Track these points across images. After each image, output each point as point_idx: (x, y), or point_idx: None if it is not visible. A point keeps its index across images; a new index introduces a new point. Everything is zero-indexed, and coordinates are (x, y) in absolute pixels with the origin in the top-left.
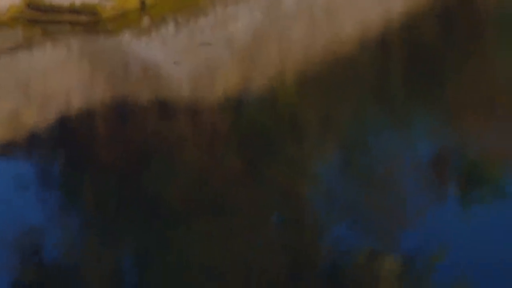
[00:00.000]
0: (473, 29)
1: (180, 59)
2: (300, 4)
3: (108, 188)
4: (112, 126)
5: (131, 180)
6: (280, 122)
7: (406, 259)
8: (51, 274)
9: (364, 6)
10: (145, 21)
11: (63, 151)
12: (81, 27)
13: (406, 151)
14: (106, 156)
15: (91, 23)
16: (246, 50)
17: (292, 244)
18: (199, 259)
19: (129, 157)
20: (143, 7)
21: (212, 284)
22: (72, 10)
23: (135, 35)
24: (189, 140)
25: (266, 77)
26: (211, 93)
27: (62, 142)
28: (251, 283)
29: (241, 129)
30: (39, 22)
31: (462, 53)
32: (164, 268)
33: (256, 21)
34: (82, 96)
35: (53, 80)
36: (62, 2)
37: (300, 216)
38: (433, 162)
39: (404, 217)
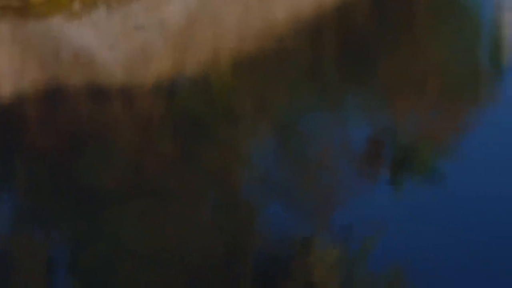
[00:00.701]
0: (404, 12)
1: (113, 43)
2: None
3: (41, 174)
4: (45, 111)
5: (64, 166)
6: (214, 106)
7: (340, 241)
8: None
9: None
10: (76, 5)
11: None
12: (11, 11)
13: (340, 134)
14: (38, 142)
15: (21, 8)
16: (179, 34)
17: (227, 227)
18: (134, 244)
19: (62, 142)
20: None
21: (147, 268)
22: None
23: (67, 20)
24: (123, 125)
25: (200, 61)
26: (145, 78)
27: None
28: (186, 266)
29: (175, 113)
30: None
31: (394, 36)
32: (98, 253)
33: (189, 4)
34: (13, 81)
35: None
36: None
37: (234, 199)
38: (366, 144)
39: (338, 200)
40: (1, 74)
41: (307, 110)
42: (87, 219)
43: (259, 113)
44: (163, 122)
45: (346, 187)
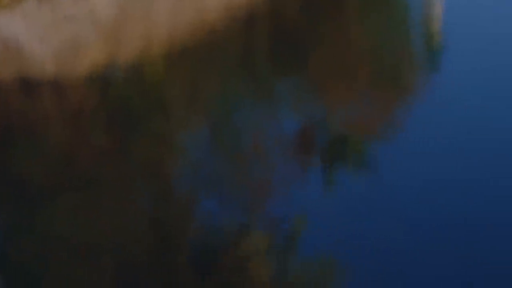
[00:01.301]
0: (335, 2)
1: (43, 35)
2: None
3: None
4: None
5: None
6: (146, 97)
7: (273, 231)
8: None
9: None
10: None
11: None
12: None
13: (272, 124)
14: None
15: None
16: (111, 25)
17: (160, 219)
18: (66, 237)
19: None
20: None
21: (81, 260)
22: None
23: None
24: (55, 118)
25: (132, 52)
26: (76, 70)
27: None
28: (119, 258)
29: (108, 105)
30: None
31: (325, 26)
32: (31, 245)
33: None
34: None
35: None
36: None
37: (168, 190)
38: (298, 134)
39: (270, 190)
40: None
41: (240, 101)
42: (19, 213)
43: (192, 104)
44: (95, 114)
45: (279, 177)
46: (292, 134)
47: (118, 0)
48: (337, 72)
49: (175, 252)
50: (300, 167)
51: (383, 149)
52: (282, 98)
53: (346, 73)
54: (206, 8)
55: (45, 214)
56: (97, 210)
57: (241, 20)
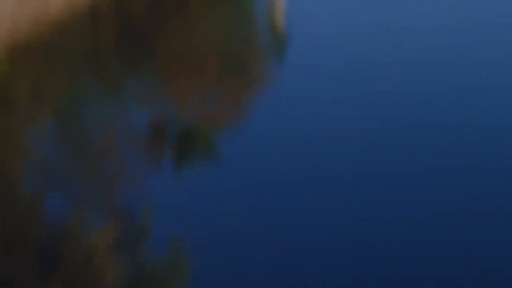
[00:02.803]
0: None
1: None
2: None
3: None
4: None
5: None
6: None
7: (122, 225)
8: None
9: None
10: None
11: None
12: None
13: (121, 118)
14: None
15: None
16: None
17: (5, 214)
18: None
19: None
20: None
21: None
22: None
23: None
24: None
25: None
26: None
27: None
28: None
29: None
30: None
31: (172, 20)
32: None
33: None
34: None
35: None
36: None
37: (14, 186)
38: (147, 128)
39: (120, 184)
40: None
41: (87, 96)
42: None
43: (38, 100)
44: None
45: (129, 171)
46: (140, 128)
47: None
48: (186, 64)
49: (20, 248)
50: (148, 161)
51: (230, 140)
52: (131, 92)
53: (194, 65)
54: (51, 2)
55: None
56: None
57: (87, 15)
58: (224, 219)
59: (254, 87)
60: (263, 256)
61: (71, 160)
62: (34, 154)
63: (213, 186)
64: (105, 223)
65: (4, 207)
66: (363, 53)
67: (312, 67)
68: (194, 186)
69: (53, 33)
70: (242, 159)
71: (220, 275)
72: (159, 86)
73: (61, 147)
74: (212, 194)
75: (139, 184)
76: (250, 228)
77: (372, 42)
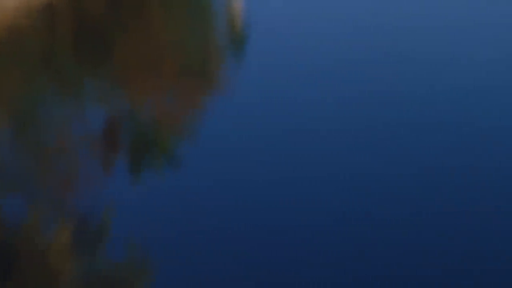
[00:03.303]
0: None
1: None
2: None
3: None
4: None
5: None
6: None
7: (78, 226)
8: None
9: None
10: None
11: None
12: None
13: (77, 120)
14: None
15: None
16: None
17: None
18: None
19: None
20: None
21: None
22: None
23: None
24: None
25: None
26: None
27: None
28: None
29: None
30: None
31: (129, 21)
32: None
33: None
34: None
35: None
36: None
37: None
38: (104, 129)
39: (76, 186)
40: None
41: (43, 97)
42: None
43: None
44: None
45: (84, 173)
46: (98, 128)
47: None
48: (143, 65)
49: None
50: (105, 161)
51: (189, 142)
52: (88, 93)
53: (151, 66)
54: (4, 3)
55: None
56: None
57: (42, 15)
58: (181, 220)
59: (212, 87)
60: (222, 257)
61: (27, 161)
62: None
63: (171, 187)
64: (61, 224)
65: None
66: (326, 52)
67: (271, 67)
68: (151, 186)
69: (7, 33)
70: (199, 160)
71: (176, 276)
72: (116, 86)
73: (16, 148)
74: (169, 194)
75: (96, 185)
76: (207, 229)
77: (340, 41)
